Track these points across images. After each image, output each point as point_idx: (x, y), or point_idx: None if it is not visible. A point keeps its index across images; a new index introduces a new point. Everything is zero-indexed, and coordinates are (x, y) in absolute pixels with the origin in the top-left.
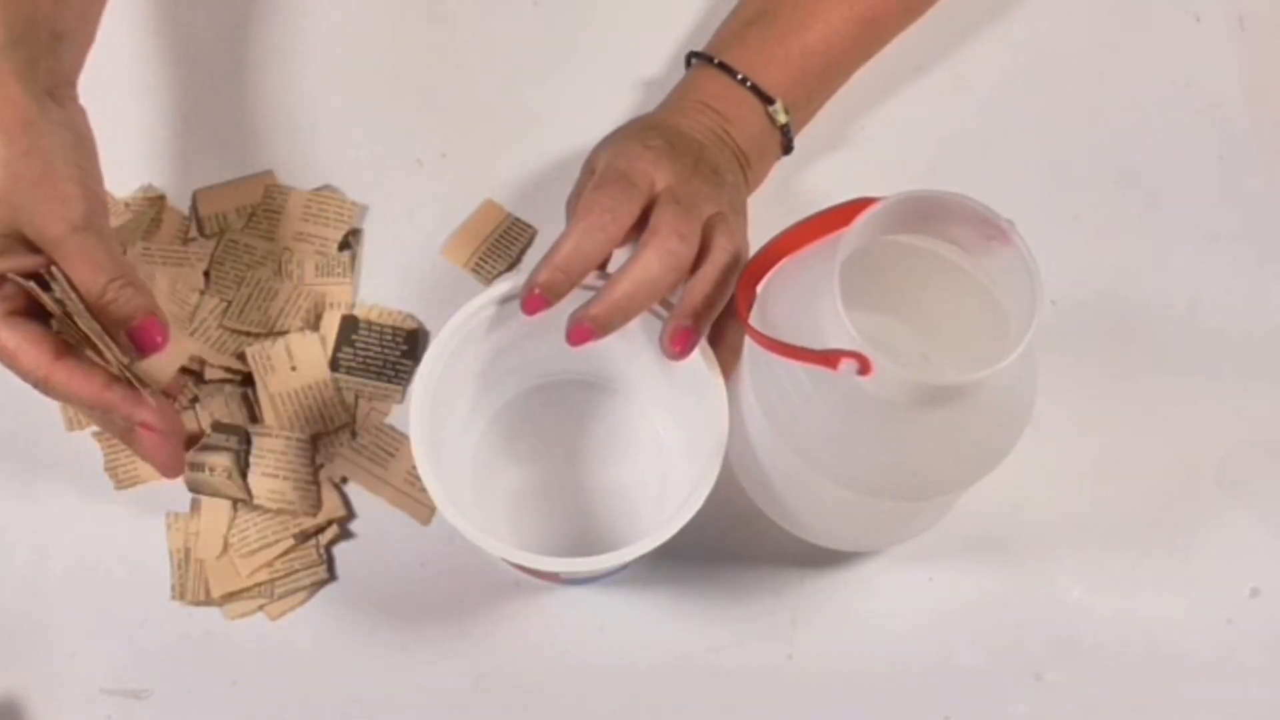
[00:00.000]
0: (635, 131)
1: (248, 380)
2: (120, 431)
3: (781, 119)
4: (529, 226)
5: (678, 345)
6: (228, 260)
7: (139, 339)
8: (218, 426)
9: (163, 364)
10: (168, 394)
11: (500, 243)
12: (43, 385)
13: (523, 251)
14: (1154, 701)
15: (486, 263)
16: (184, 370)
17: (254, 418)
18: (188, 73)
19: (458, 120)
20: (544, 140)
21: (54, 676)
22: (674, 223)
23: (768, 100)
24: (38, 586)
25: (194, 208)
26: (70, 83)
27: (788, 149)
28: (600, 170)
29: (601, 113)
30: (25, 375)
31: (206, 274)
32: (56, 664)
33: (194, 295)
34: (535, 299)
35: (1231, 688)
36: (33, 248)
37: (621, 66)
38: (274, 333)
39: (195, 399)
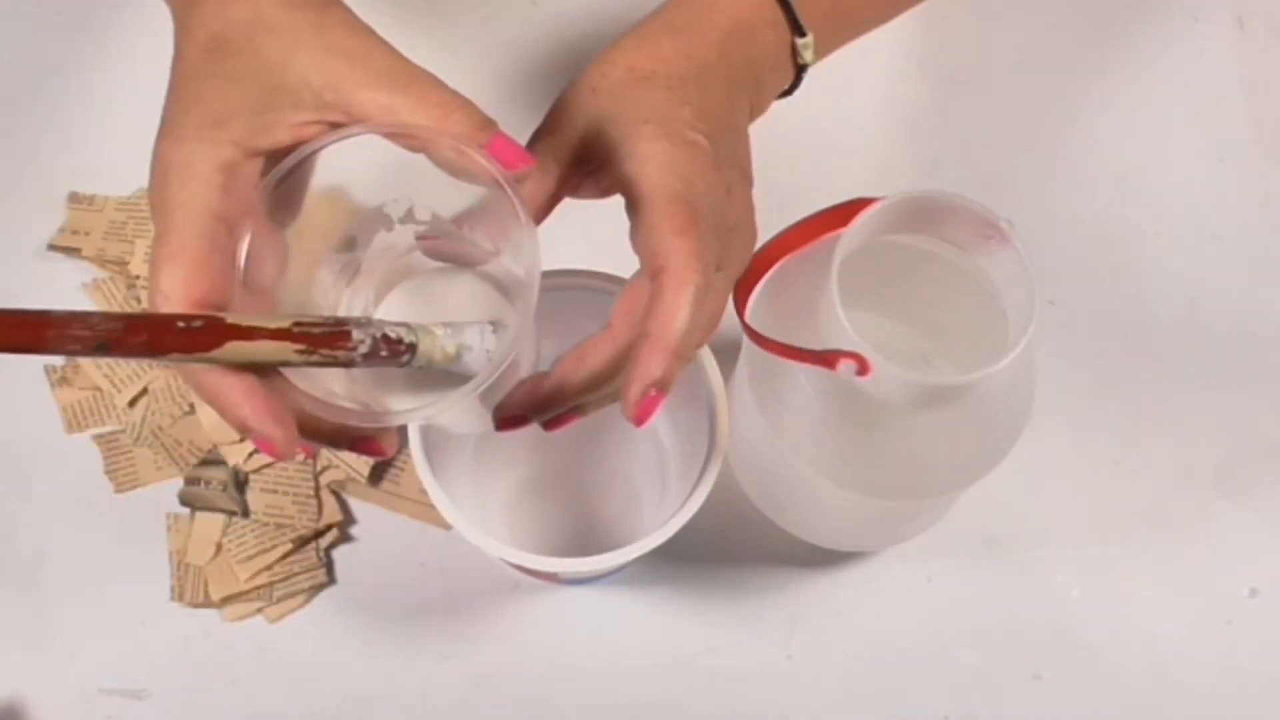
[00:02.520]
0: (669, 101)
1: None
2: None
3: (807, 58)
4: None
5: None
6: None
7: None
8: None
9: None
10: None
11: None
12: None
13: None
14: (1153, 702)
15: None
16: None
17: None
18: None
19: None
20: None
21: (53, 677)
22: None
23: (799, 31)
24: (38, 587)
25: None
26: None
27: (789, 93)
28: (659, 187)
29: None
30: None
31: None
32: (56, 664)
33: None
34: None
35: (1231, 688)
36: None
37: None
38: None
39: None
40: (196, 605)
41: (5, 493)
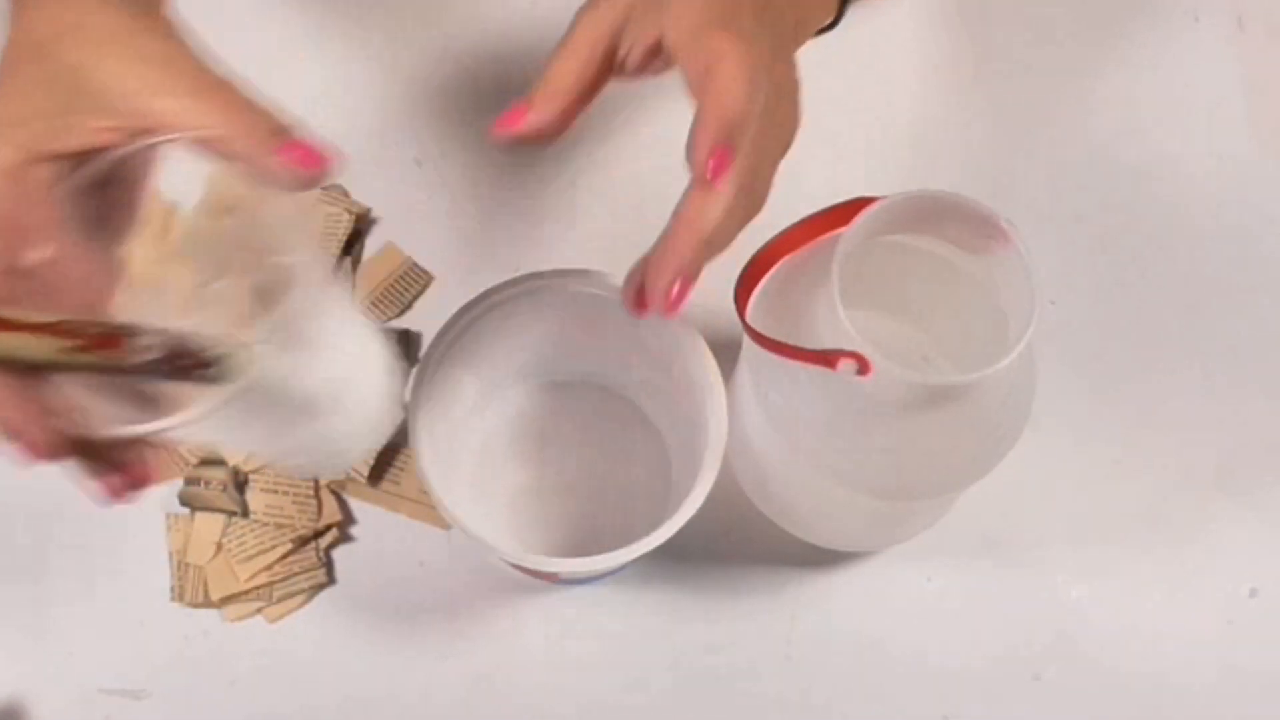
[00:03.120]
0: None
1: None
2: None
3: None
4: (425, 273)
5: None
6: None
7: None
8: None
9: None
10: None
11: (394, 288)
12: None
13: (415, 299)
14: (1153, 702)
15: (378, 306)
16: None
17: None
18: None
19: (458, 120)
20: None
21: (53, 677)
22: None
23: None
24: (38, 586)
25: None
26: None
27: (832, 25)
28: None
29: (600, 111)
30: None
31: None
32: (56, 664)
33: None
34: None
35: (1231, 688)
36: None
37: None
38: None
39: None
40: (196, 605)
41: (5, 492)
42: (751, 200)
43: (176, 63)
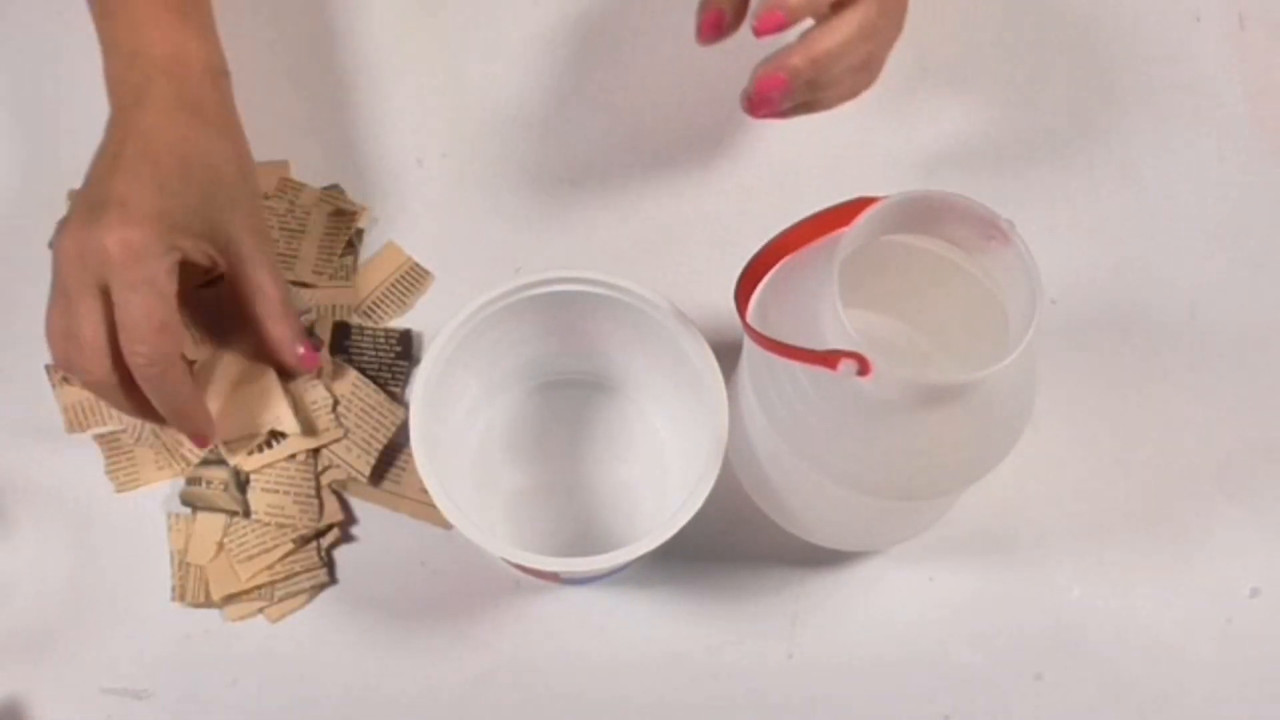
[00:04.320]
0: None
1: None
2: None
3: None
4: (425, 273)
5: (765, 25)
6: None
7: (306, 360)
8: None
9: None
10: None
11: (394, 288)
12: (162, 376)
13: (415, 299)
14: (1154, 702)
15: (378, 306)
16: None
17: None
18: None
19: (458, 120)
20: (544, 139)
21: (54, 677)
22: None
23: None
24: (38, 587)
25: None
26: None
27: None
28: None
29: (600, 111)
30: (155, 356)
31: None
32: (57, 664)
33: None
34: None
35: (1231, 688)
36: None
37: (620, 65)
38: None
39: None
40: (198, 605)
41: (6, 492)
42: (874, 36)
43: (268, 240)
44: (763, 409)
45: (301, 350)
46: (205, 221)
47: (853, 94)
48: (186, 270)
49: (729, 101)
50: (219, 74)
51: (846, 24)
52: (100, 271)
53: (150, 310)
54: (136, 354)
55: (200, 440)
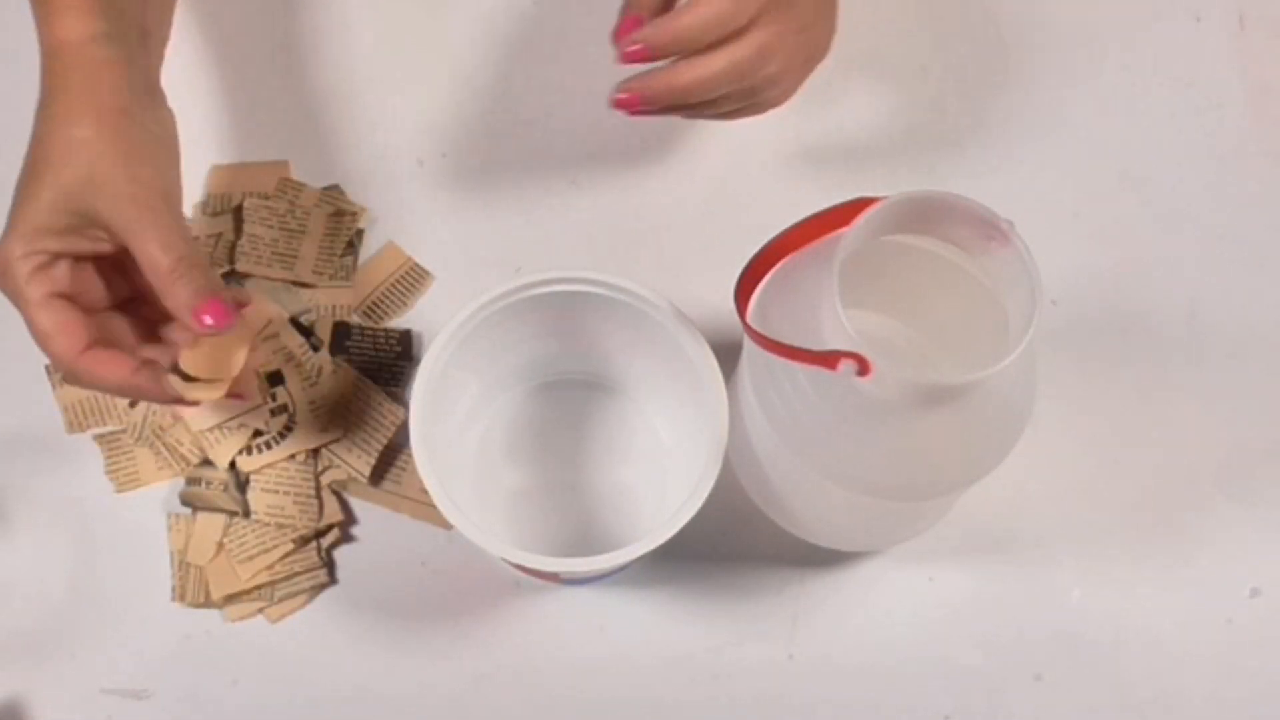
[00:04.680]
0: None
1: None
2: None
3: None
4: (425, 273)
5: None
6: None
7: (204, 318)
8: None
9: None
10: (236, 395)
11: (394, 288)
12: (71, 372)
13: (415, 299)
14: (1154, 701)
15: (378, 306)
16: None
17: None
18: (181, 63)
19: (458, 120)
20: (544, 139)
21: (54, 677)
22: None
23: None
24: (38, 587)
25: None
26: (158, 84)
27: None
28: None
29: (600, 111)
30: (56, 359)
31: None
32: (57, 664)
33: None
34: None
35: (1231, 688)
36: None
37: (620, 65)
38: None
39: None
40: (198, 605)
41: (6, 492)
42: (749, 76)
43: (156, 211)
44: (763, 409)
45: (209, 318)
46: (71, 214)
47: (755, 112)
48: (107, 265)
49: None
50: (103, 43)
51: (713, 61)
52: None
53: (31, 321)
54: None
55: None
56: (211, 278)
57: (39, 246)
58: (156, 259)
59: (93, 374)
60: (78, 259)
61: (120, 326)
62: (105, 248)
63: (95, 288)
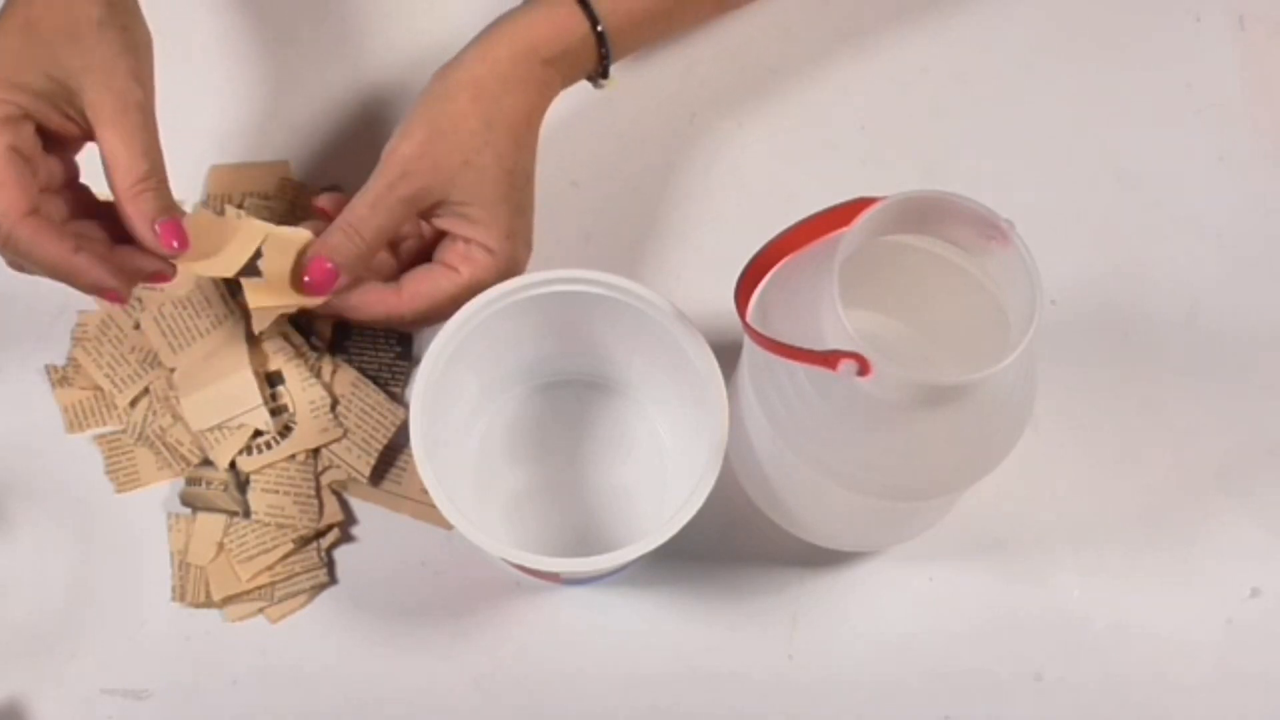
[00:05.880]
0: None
1: None
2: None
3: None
4: None
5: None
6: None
7: (168, 237)
8: None
9: None
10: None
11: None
12: (9, 237)
13: None
14: (1154, 702)
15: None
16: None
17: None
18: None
19: None
20: (544, 139)
21: (54, 677)
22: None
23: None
24: (38, 587)
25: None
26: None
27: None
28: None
29: (599, 111)
30: None
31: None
32: (57, 664)
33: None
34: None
35: (1231, 687)
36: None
37: (620, 65)
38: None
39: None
40: (198, 605)
41: (6, 492)
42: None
43: (126, 101)
44: (763, 409)
45: (159, 229)
46: (52, 81)
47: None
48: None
49: (729, 102)
50: None
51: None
52: None
53: None
54: None
55: (111, 296)
56: (170, 197)
57: (13, 97)
58: (131, 163)
59: (31, 243)
60: (43, 135)
61: (59, 213)
62: (73, 130)
63: (53, 174)
